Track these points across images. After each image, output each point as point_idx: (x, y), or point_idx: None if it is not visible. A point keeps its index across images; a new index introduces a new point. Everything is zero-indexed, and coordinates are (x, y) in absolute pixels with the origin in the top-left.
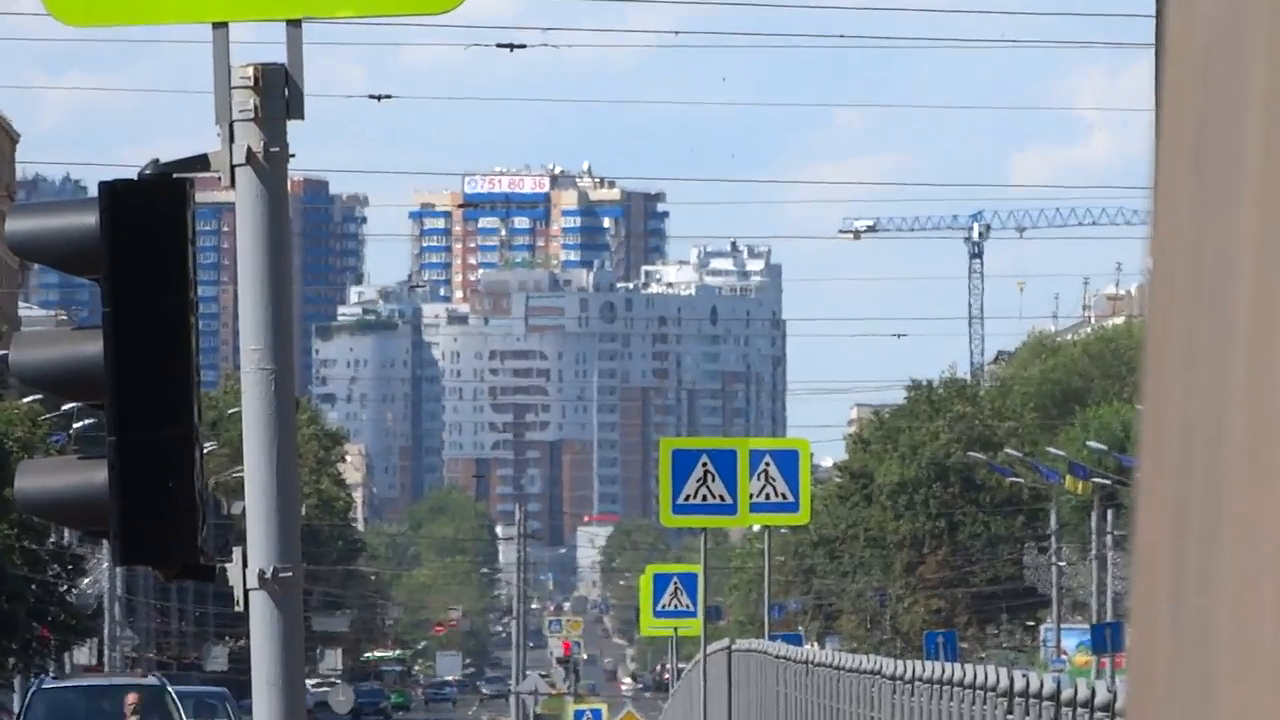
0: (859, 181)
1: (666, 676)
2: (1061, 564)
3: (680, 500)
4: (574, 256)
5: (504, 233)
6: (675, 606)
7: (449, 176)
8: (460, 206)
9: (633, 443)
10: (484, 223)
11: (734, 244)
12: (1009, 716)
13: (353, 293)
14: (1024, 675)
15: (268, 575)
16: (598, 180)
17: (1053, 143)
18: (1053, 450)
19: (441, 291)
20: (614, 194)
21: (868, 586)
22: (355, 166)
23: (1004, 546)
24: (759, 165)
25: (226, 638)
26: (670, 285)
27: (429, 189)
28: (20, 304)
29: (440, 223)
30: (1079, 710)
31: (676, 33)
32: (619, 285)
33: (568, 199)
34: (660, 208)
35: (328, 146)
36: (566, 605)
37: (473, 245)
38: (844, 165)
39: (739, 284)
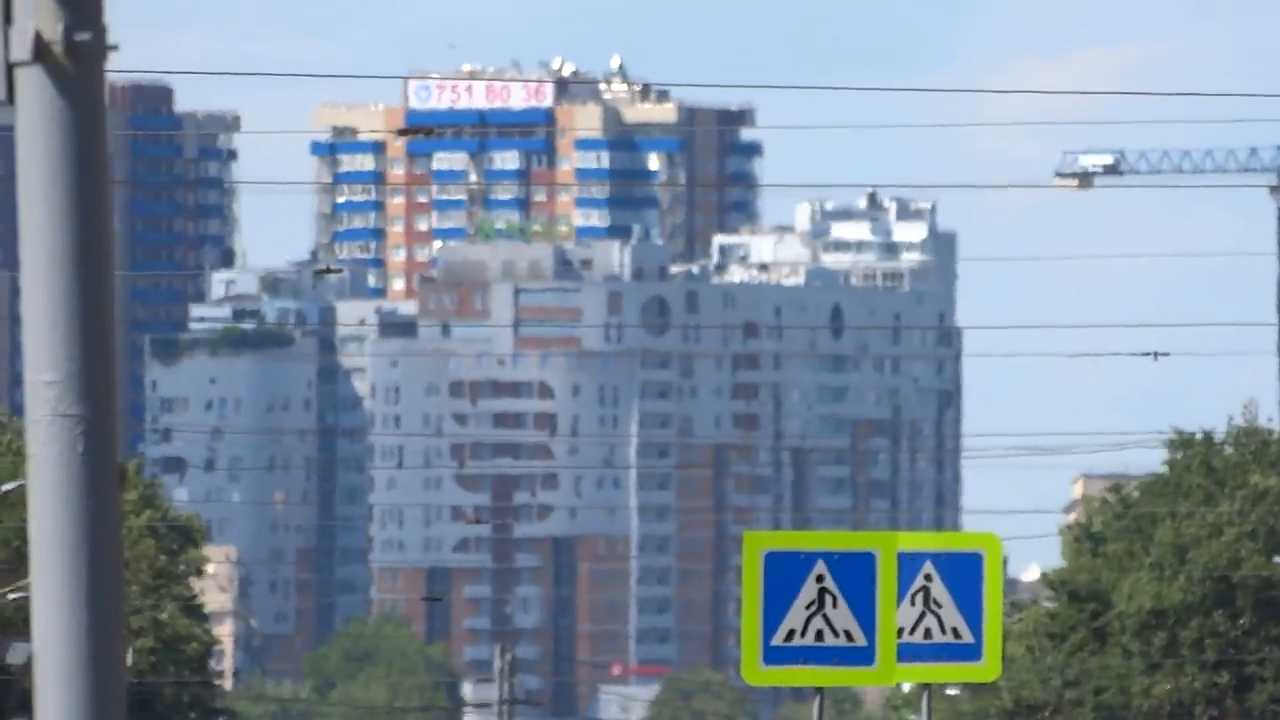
0: (1089, 91)
1: None
2: None
3: (778, 640)
4: (597, 220)
5: (476, 177)
6: None
7: (383, 82)
8: (401, 134)
9: (697, 539)
10: (441, 161)
11: (873, 197)
12: None
13: (216, 282)
14: None
15: None
16: (636, 88)
17: None
18: None
19: (370, 280)
20: (665, 111)
21: None
22: (220, 65)
23: None
24: (919, 62)
25: None
26: (764, 269)
27: (346, 103)
28: None
29: (367, 161)
30: None
31: None
32: (674, 269)
33: (586, 120)
34: (747, 135)
35: (174, 33)
36: None
37: (423, 200)
38: (1062, 61)
39: (881, 266)
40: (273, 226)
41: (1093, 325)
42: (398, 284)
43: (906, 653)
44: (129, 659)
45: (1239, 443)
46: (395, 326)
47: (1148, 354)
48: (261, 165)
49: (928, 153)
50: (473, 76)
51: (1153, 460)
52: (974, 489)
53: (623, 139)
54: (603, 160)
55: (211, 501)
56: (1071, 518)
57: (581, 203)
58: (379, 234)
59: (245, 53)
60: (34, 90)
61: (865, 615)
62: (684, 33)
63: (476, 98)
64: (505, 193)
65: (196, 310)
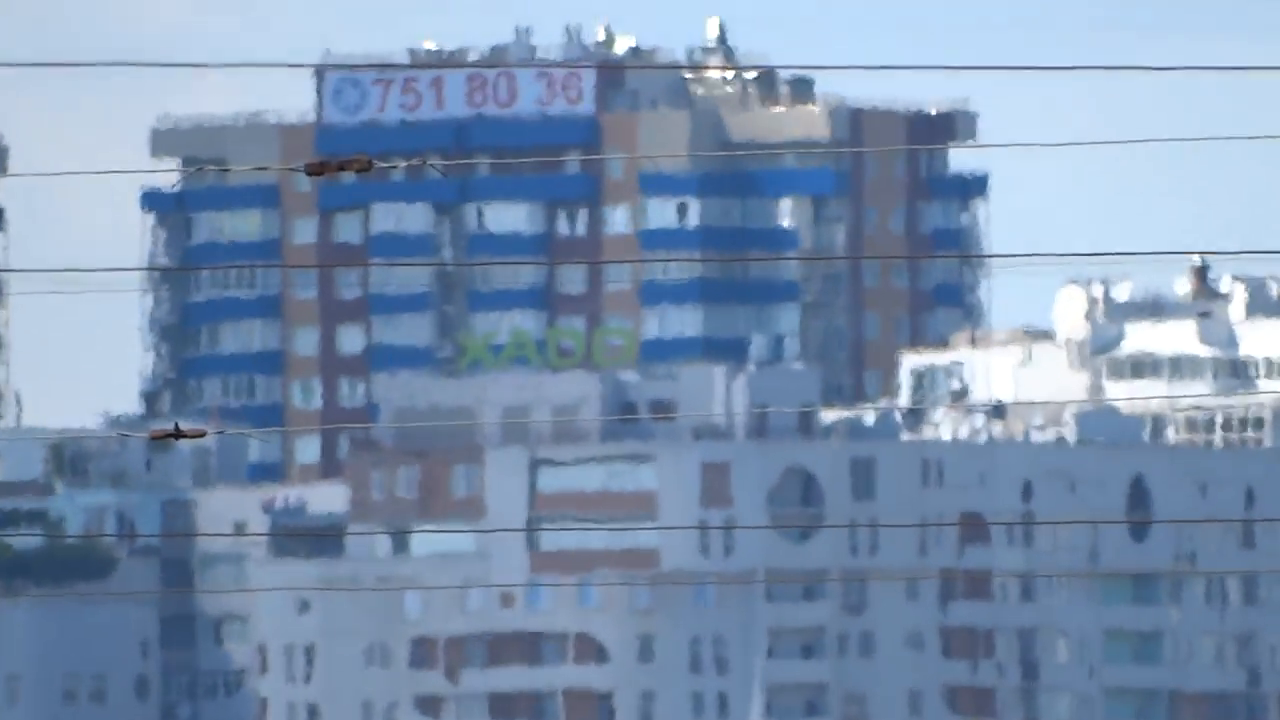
0: None
1: None
2: None
3: None
4: (681, 325)
5: (452, 250)
6: None
7: (278, 75)
8: (312, 171)
9: None
10: (387, 218)
11: (1202, 273)
12: None
13: None
14: None
15: None
16: (751, 75)
17: None
18: None
19: (252, 451)
20: (808, 117)
21: None
22: None
23: None
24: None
25: None
26: (998, 413)
27: (208, 115)
28: None
29: (250, 222)
30: None
31: None
32: (829, 416)
33: (658, 137)
34: (960, 160)
35: None
36: None
37: (355, 295)
38: None
39: (1221, 402)
40: (71, 352)
41: None
42: (307, 453)
43: None
44: None
45: None
46: (305, 536)
47: None
48: (49, 233)
49: None
50: (443, 62)
51: None
52: None
53: (729, 171)
54: (693, 213)
55: None
56: None
57: (652, 293)
58: (273, 360)
59: (19, 27)
60: None
61: None
62: None
63: (450, 100)
64: (509, 279)
65: None
